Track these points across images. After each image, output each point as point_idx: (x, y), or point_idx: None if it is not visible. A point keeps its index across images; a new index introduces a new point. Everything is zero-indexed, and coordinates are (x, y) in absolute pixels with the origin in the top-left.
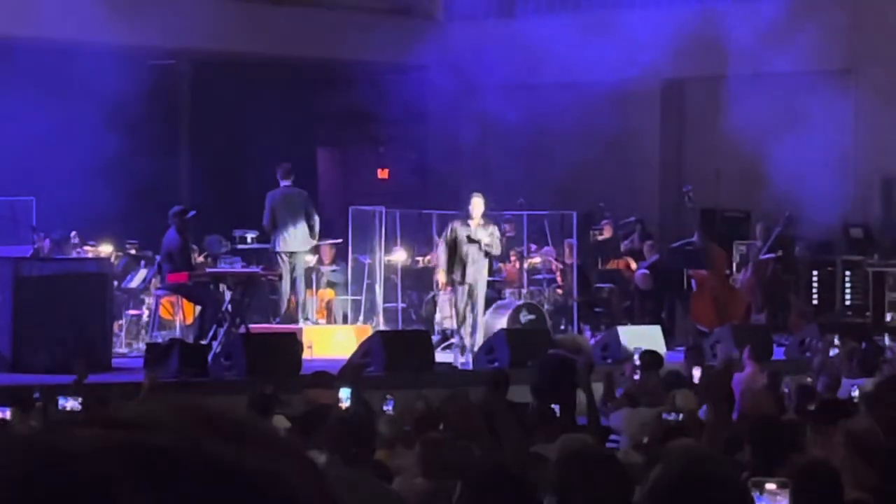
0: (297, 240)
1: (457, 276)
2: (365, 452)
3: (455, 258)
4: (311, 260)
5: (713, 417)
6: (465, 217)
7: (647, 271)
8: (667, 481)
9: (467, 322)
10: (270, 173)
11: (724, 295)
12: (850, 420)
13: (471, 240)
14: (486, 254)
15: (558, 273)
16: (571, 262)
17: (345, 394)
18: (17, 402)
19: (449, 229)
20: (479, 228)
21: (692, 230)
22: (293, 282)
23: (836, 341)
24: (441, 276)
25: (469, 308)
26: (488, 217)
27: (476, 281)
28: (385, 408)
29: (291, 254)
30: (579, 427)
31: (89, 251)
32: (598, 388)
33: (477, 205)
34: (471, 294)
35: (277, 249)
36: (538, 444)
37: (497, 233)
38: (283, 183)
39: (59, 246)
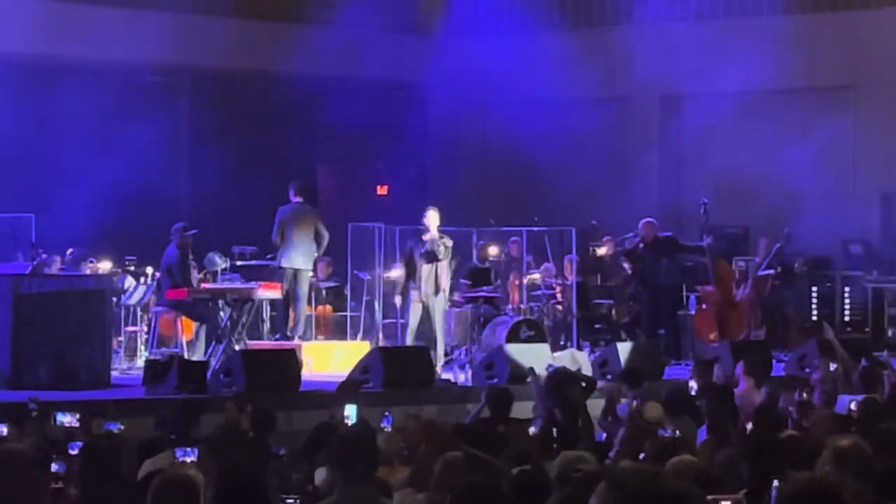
0: (302, 257)
1: (413, 294)
2: (368, 469)
3: (413, 276)
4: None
5: (712, 435)
6: (422, 231)
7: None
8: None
9: (413, 336)
10: (271, 190)
11: (728, 310)
12: (838, 436)
13: (430, 256)
14: (439, 271)
15: (558, 289)
16: (571, 279)
17: (351, 410)
18: (12, 418)
19: (407, 249)
20: (435, 241)
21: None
22: (296, 299)
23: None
24: (398, 299)
25: (425, 324)
26: (442, 231)
27: (431, 299)
28: (383, 424)
29: (296, 271)
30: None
31: (88, 267)
32: (600, 403)
33: (433, 218)
34: (427, 311)
35: (282, 265)
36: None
37: (450, 244)
38: (295, 199)
39: (77, 263)
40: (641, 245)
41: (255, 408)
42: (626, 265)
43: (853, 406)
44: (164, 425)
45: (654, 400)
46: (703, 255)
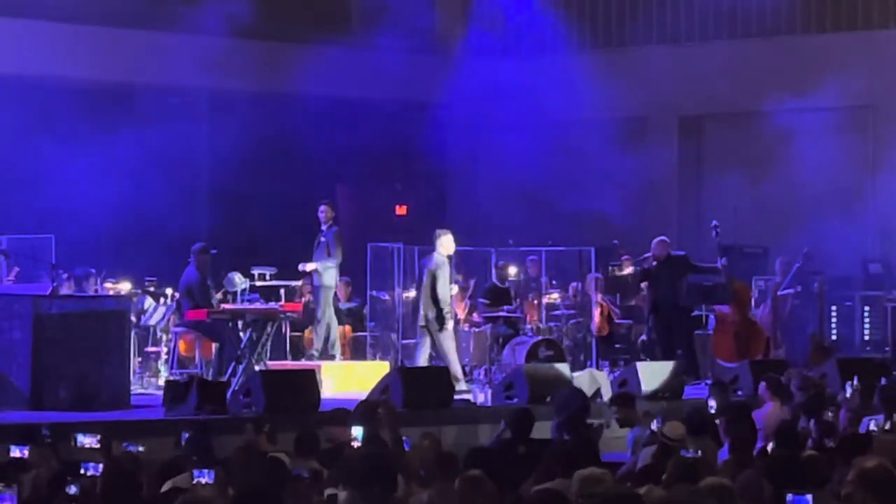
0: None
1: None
2: (387, 491)
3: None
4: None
5: (733, 455)
6: (433, 253)
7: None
8: None
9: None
10: (289, 211)
11: (745, 330)
12: (863, 457)
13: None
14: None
15: (598, 308)
16: (593, 297)
17: (357, 432)
18: (31, 441)
19: (438, 266)
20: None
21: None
22: (331, 318)
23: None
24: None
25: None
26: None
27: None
28: None
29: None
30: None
31: (109, 288)
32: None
33: (451, 241)
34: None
35: (330, 283)
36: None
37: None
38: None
39: (80, 283)
40: (654, 263)
41: (300, 430)
42: (643, 285)
43: (873, 426)
44: (188, 445)
45: (675, 419)
46: (719, 276)
